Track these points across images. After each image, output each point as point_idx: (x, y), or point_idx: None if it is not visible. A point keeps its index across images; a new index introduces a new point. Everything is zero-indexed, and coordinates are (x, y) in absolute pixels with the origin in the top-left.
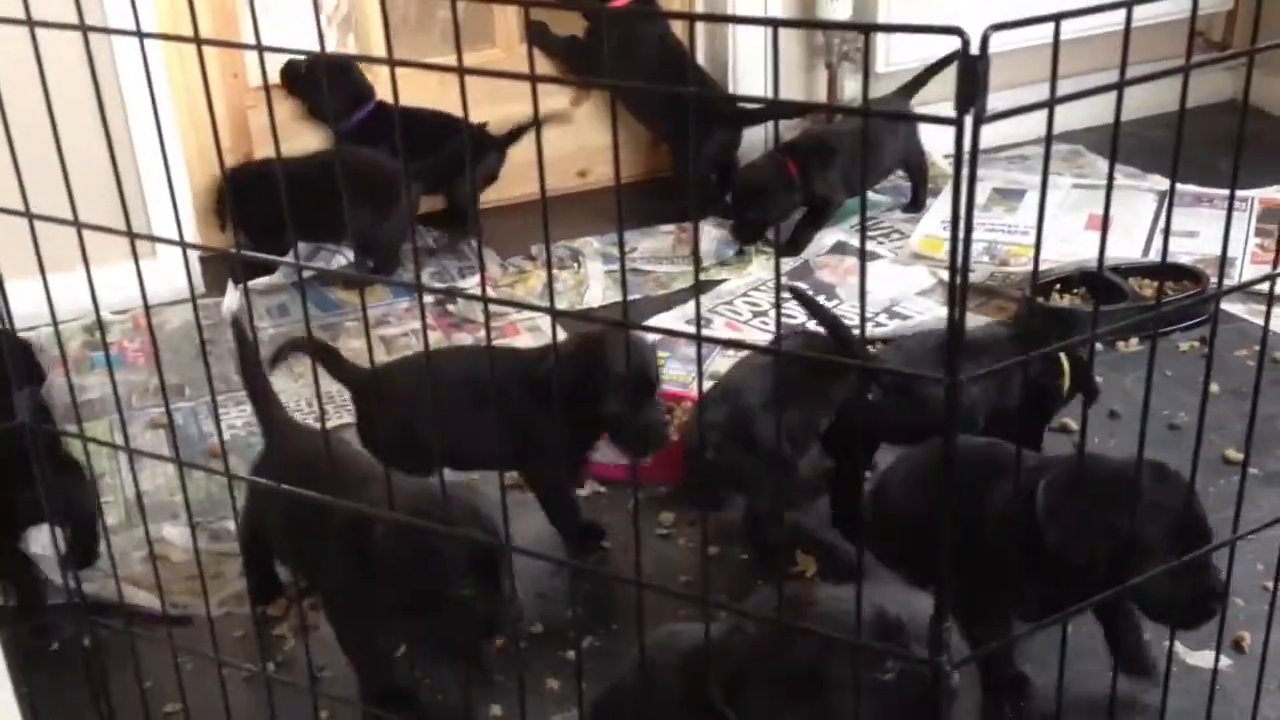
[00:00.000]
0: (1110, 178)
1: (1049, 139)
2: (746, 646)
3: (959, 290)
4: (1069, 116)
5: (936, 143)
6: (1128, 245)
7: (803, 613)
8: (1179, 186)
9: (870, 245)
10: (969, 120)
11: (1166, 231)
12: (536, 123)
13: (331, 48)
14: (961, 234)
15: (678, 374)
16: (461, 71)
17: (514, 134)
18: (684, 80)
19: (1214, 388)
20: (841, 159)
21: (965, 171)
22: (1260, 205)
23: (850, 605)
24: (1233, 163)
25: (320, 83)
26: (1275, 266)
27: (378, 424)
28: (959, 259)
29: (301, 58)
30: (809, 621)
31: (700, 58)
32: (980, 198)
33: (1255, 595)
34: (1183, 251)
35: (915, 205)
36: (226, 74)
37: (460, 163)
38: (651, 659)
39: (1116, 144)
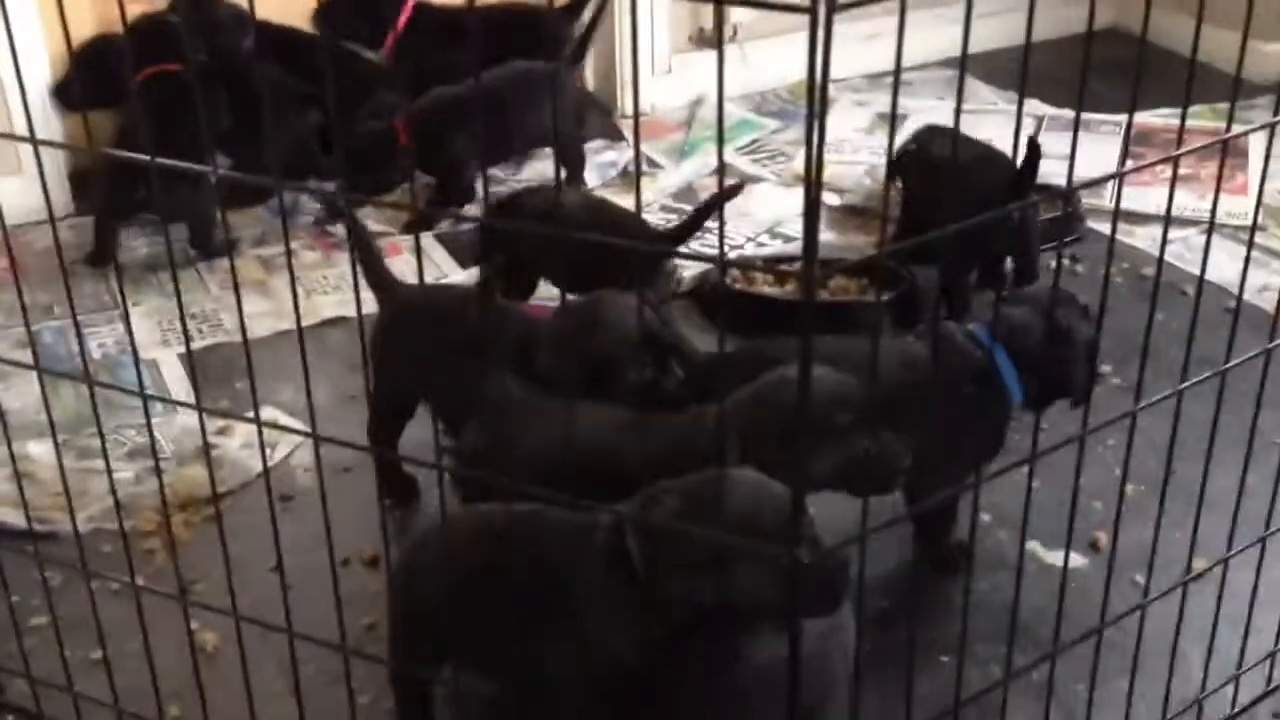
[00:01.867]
0: (1021, 110)
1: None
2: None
3: (812, 202)
4: (951, 42)
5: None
6: None
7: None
8: (1055, 111)
9: (754, 169)
10: (822, 9)
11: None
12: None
13: None
14: (816, 136)
15: None
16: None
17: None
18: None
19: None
20: (466, 124)
21: (819, 62)
22: (1136, 130)
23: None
24: (1108, 87)
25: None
26: (1119, 170)
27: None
28: (814, 159)
29: None
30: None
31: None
32: (863, 122)
33: (1112, 499)
34: (1059, 174)
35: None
36: None
37: (354, 96)
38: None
39: (1028, 67)
